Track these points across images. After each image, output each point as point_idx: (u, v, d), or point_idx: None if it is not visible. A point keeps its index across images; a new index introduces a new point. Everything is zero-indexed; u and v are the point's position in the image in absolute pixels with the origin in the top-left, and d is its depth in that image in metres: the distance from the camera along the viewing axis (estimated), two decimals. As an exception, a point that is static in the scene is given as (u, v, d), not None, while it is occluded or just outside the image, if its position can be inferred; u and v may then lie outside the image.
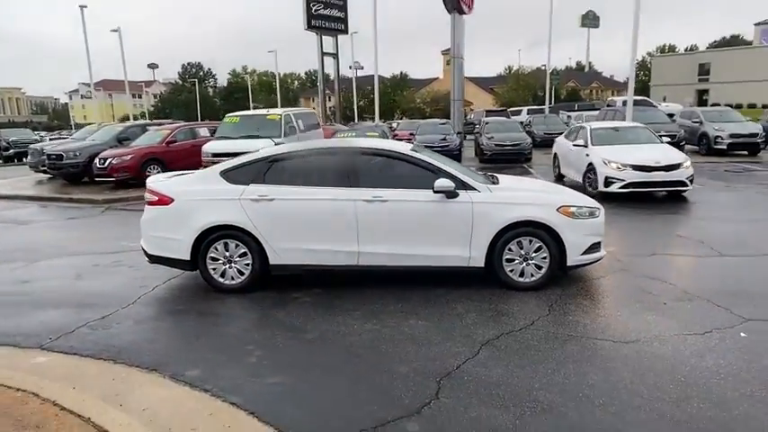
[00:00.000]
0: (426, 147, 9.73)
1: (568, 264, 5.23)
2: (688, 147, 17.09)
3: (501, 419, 3.03)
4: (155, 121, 26.91)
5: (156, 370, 3.76)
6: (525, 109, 35.77)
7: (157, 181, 5.77)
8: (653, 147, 10.75)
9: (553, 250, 5.18)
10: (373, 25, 28.08)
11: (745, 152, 17.53)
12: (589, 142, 11.13)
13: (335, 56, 33.97)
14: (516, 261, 5.24)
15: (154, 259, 5.63)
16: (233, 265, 5.42)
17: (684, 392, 3.27)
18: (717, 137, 17.41)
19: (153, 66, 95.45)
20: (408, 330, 4.38)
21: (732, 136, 17.17)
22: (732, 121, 18.17)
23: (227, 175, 5.48)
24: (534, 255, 5.22)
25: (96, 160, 14.23)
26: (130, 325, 4.70)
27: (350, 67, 49.77)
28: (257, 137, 13.52)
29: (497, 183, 5.67)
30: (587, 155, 10.76)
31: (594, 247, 5.32)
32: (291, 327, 4.57)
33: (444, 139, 18.09)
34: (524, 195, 5.42)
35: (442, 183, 5.14)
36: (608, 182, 9.96)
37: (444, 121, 22.82)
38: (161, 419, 3.10)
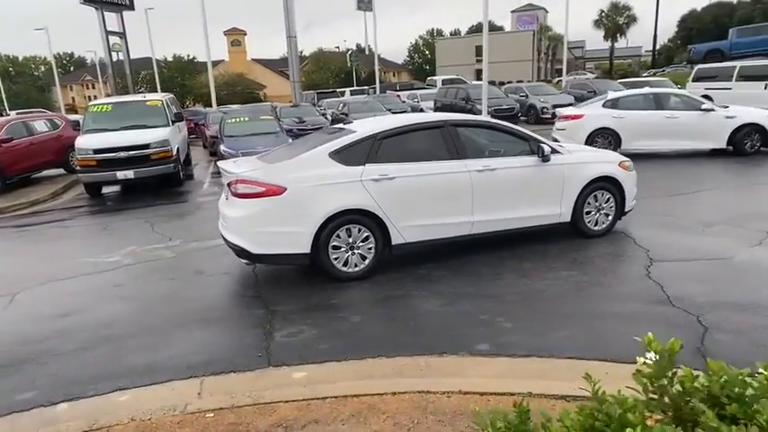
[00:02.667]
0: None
1: (626, 209, 6.26)
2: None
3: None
4: None
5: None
6: (347, 90, 37.01)
7: (251, 170, 5.02)
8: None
9: (618, 199, 6.15)
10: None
11: None
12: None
13: (122, 35, 29.23)
14: (593, 213, 6.08)
15: (260, 258, 4.96)
16: (355, 251, 5.11)
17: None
18: (543, 108, 20.94)
19: None
20: (553, 273, 4.90)
21: (555, 106, 20.81)
22: (549, 93, 22.01)
23: (339, 156, 5.09)
24: (605, 205, 6.12)
25: None
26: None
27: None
28: (144, 126, 11.86)
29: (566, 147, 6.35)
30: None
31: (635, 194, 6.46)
32: (488, 295, 4.66)
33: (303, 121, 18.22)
34: (593, 155, 6.24)
35: (545, 148, 5.65)
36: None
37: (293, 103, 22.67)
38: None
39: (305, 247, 4.91)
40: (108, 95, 32.03)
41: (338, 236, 5.01)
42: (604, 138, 11.40)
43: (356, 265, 5.14)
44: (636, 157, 8.10)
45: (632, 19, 50.21)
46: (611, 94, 12.27)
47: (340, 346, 3.78)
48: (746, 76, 18.65)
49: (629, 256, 5.45)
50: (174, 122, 12.75)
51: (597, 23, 48.95)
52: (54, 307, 5.00)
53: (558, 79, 37.30)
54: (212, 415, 2.93)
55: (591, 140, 11.29)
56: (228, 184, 5.09)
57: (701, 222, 6.48)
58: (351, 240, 5.08)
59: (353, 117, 19.03)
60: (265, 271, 5.57)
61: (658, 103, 11.61)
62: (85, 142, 11.33)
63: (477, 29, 77.28)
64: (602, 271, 5.17)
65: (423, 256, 5.59)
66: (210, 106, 27.32)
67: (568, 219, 5.94)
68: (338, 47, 75.03)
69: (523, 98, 22.02)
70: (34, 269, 6.29)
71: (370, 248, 5.15)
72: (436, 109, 23.97)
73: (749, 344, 3.53)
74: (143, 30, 39.29)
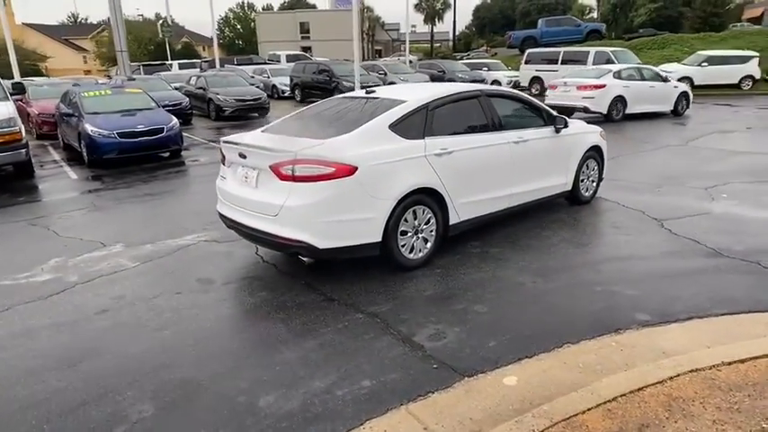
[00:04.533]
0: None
1: (603, 176, 6.77)
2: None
3: None
4: None
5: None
6: (176, 63, 33.28)
7: (307, 147, 4.09)
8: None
9: (600, 166, 6.62)
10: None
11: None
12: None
13: None
14: (584, 180, 6.44)
15: (326, 254, 4.13)
16: (419, 234, 4.61)
17: None
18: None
19: None
20: (599, 239, 5.15)
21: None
22: (406, 72, 22.66)
23: (398, 129, 4.48)
24: (592, 173, 6.53)
25: None
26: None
27: None
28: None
29: None
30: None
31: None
32: (568, 266, 4.57)
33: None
34: (584, 127, 6.54)
35: (560, 119, 5.76)
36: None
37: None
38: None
39: (376, 235, 4.24)
40: None
41: (405, 219, 4.44)
42: (620, 102, 13.83)
43: (420, 251, 4.64)
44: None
45: (447, 5, 54.33)
46: (616, 67, 14.73)
47: (506, 340, 3.37)
48: (567, 60, 21.60)
49: (638, 219, 5.90)
50: (12, 96, 10.00)
51: (418, 7, 51.87)
52: (34, 364, 3.48)
53: (399, 57, 38.68)
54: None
55: (613, 105, 13.73)
56: (275, 166, 4.09)
57: (648, 184, 7.35)
58: (416, 223, 4.55)
59: (213, 91, 17.39)
60: (288, 267, 4.70)
61: (641, 75, 14.55)
62: None
63: (291, 5, 75.73)
64: (638, 231, 5.46)
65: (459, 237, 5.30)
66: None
67: (570, 188, 6.19)
68: (141, 15, 66.72)
69: (383, 76, 22.32)
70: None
71: (431, 231, 4.69)
72: (294, 86, 23.00)
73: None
74: None
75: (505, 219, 5.57)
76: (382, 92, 5.17)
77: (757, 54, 20.27)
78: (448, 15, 64.87)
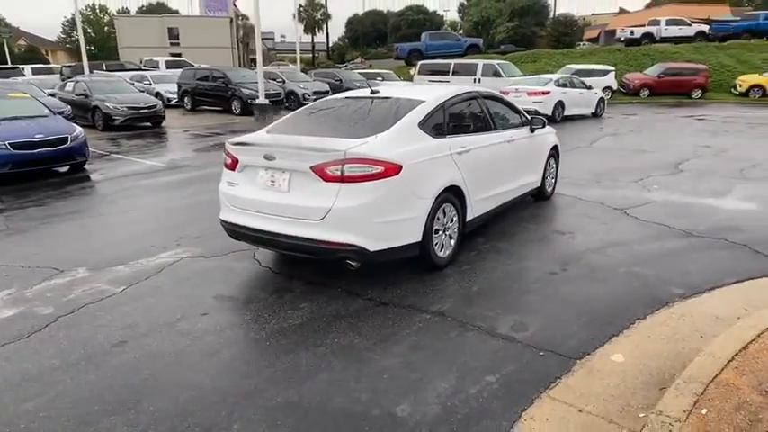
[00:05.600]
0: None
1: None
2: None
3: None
4: None
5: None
6: (29, 68, 29.30)
7: (357, 146, 3.88)
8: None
9: (557, 164, 7.19)
10: None
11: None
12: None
13: None
14: (548, 178, 6.94)
15: (378, 256, 3.97)
16: (446, 232, 4.63)
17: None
18: (304, 94, 21.23)
19: None
20: (597, 227, 5.64)
21: (316, 93, 21.37)
22: (305, 80, 22.38)
23: (425, 127, 4.46)
24: (552, 170, 7.06)
25: None
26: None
27: None
28: None
29: None
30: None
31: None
32: (581, 251, 4.87)
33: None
34: (547, 127, 7.00)
35: (538, 120, 6.16)
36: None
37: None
38: None
39: (417, 235, 4.18)
40: None
41: (437, 218, 4.44)
42: (560, 106, 16.30)
43: (447, 249, 4.66)
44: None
45: (327, 16, 54.52)
46: (556, 77, 17.58)
47: (583, 324, 3.53)
48: (458, 71, 22.99)
49: (602, 209, 6.48)
50: None
51: (298, 17, 51.35)
52: (80, 411, 2.88)
53: (279, 65, 37.85)
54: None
55: (555, 108, 16.10)
56: (320, 167, 3.84)
57: (587, 180, 8.13)
58: (445, 221, 4.56)
59: (98, 98, 15.61)
60: (311, 275, 4.45)
61: (573, 84, 17.53)
62: None
63: (150, 9, 70.67)
64: (611, 220, 5.96)
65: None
66: None
67: (539, 185, 6.63)
68: (-34, 13, 57.76)
69: (280, 84, 21.81)
70: None
71: (455, 229, 4.73)
72: (182, 93, 21.51)
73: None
74: None
75: (492, 217, 5.79)
76: (389, 92, 5.11)
77: (614, 68, 23.39)
78: (329, 25, 65.26)
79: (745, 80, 23.07)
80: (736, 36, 29.22)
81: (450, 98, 4.94)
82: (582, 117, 17.41)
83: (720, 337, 3.03)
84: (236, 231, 4.45)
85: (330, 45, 71.12)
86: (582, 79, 18.85)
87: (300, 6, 50.93)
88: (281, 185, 4.08)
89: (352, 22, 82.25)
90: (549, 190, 6.95)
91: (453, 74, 22.88)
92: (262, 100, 17.90)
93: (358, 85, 23.82)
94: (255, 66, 20.51)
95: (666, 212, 6.25)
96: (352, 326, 3.61)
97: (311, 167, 3.87)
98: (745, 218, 5.99)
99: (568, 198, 7.06)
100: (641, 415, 2.57)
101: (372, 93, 5.08)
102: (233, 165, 4.42)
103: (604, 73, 22.76)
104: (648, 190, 7.41)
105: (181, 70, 23.29)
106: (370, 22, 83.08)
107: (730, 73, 24.76)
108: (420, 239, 4.21)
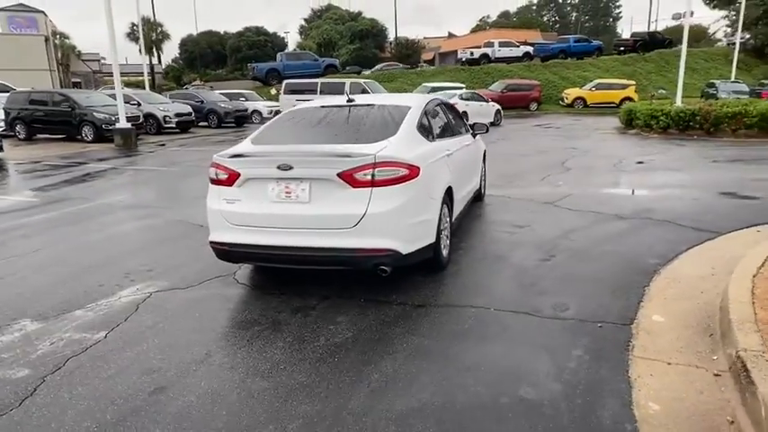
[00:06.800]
0: None
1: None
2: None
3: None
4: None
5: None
6: None
7: (382, 149, 3.81)
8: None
9: (485, 168, 7.79)
10: None
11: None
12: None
13: None
14: (482, 180, 7.46)
15: (408, 259, 3.96)
16: (444, 233, 4.76)
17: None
18: (165, 117, 19.73)
19: None
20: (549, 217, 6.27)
21: (178, 115, 19.96)
22: (162, 102, 20.79)
23: (421, 131, 4.56)
24: (483, 173, 7.62)
25: None
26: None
27: None
28: None
29: None
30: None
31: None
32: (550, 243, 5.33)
33: None
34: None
35: (480, 126, 6.63)
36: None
37: None
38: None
39: (432, 236, 4.26)
40: None
41: (440, 219, 4.55)
42: (465, 117, 16.61)
43: (446, 249, 4.78)
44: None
45: (166, 36, 50.99)
46: (461, 92, 20.44)
47: (609, 294, 3.94)
48: (325, 91, 23.35)
49: (536, 204, 7.17)
50: None
51: (130, 36, 47.18)
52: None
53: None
54: None
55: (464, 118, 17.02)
56: (349, 172, 3.71)
57: (502, 181, 8.89)
58: (445, 222, 4.69)
59: None
60: (320, 290, 4.27)
61: (473, 98, 20.62)
62: None
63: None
64: (551, 212, 6.65)
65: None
66: None
67: (479, 186, 7.12)
68: None
69: (136, 106, 19.96)
70: None
71: (448, 229, 4.89)
72: (13, 119, 18.52)
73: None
74: None
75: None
76: (364, 100, 5.08)
77: (464, 85, 25.75)
78: (167, 46, 61.13)
79: (570, 93, 27.13)
80: (555, 56, 34.28)
81: (427, 103, 5.11)
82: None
83: (748, 256, 3.73)
84: (238, 252, 4.06)
85: (164, 67, 66.89)
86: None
87: (134, 25, 46.87)
88: (299, 196, 3.85)
89: (187, 44, 78.34)
90: (483, 191, 7.47)
91: (321, 93, 23.14)
92: (123, 124, 16.25)
93: (222, 105, 22.86)
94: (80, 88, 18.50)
95: (587, 202, 7.14)
96: (408, 330, 3.54)
97: (338, 174, 3.73)
98: (651, 201, 7.13)
99: (498, 198, 7.66)
100: (714, 358, 2.98)
101: (349, 101, 5.03)
102: (230, 180, 4.04)
103: (459, 89, 24.94)
104: (557, 186, 8.37)
105: (6, 95, 20.04)
106: (207, 42, 79.97)
107: (556, 87, 28.91)
108: (434, 240, 4.28)
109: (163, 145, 16.65)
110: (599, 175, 9.18)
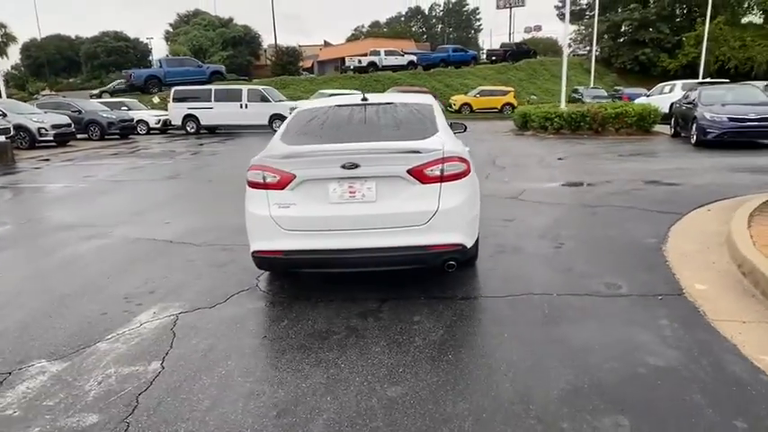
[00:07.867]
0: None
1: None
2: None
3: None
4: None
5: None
6: None
7: (445, 144, 3.79)
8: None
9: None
10: None
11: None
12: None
13: None
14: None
15: (471, 252, 4.02)
16: (474, 226, 4.88)
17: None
18: (41, 128, 17.43)
19: None
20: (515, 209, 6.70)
21: (55, 127, 17.64)
22: (32, 112, 18.30)
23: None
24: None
25: None
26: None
27: None
28: None
29: None
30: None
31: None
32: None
33: None
34: None
35: (458, 125, 6.84)
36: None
37: None
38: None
39: (478, 230, 4.34)
40: None
41: (478, 213, 4.66)
42: None
43: (474, 243, 4.89)
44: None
45: (11, 38, 44.50)
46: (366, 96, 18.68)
47: (641, 268, 4.32)
48: (221, 98, 22.37)
49: (502, 198, 7.56)
50: None
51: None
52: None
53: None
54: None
55: None
56: (419, 168, 3.65)
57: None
58: (475, 216, 4.80)
59: None
60: (360, 294, 4.17)
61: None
62: None
63: None
64: (520, 205, 7.04)
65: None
66: None
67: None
68: None
69: (2, 118, 17.28)
70: None
71: (473, 223, 5.01)
72: None
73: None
74: None
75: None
76: (380, 99, 4.97)
77: (359, 91, 26.13)
78: (13, 50, 53.32)
79: (457, 99, 28.83)
80: (436, 65, 36.20)
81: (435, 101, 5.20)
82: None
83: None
84: (294, 259, 3.79)
85: (3, 74, 58.75)
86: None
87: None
88: (365, 195, 3.70)
89: (30, 49, 69.51)
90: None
91: (216, 100, 22.03)
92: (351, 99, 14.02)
93: (104, 115, 20.75)
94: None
95: (545, 194, 7.71)
96: (493, 321, 3.60)
97: (408, 170, 3.66)
98: (607, 190, 7.86)
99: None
100: (771, 312, 3.46)
101: (364, 99, 4.92)
102: (282, 183, 3.75)
103: (355, 95, 25.29)
104: (505, 182, 8.90)
105: None
106: (55, 48, 71.84)
107: (442, 94, 30.49)
108: (477, 235, 4.36)
109: (47, 160, 14.61)
110: (533, 170, 9.94)
